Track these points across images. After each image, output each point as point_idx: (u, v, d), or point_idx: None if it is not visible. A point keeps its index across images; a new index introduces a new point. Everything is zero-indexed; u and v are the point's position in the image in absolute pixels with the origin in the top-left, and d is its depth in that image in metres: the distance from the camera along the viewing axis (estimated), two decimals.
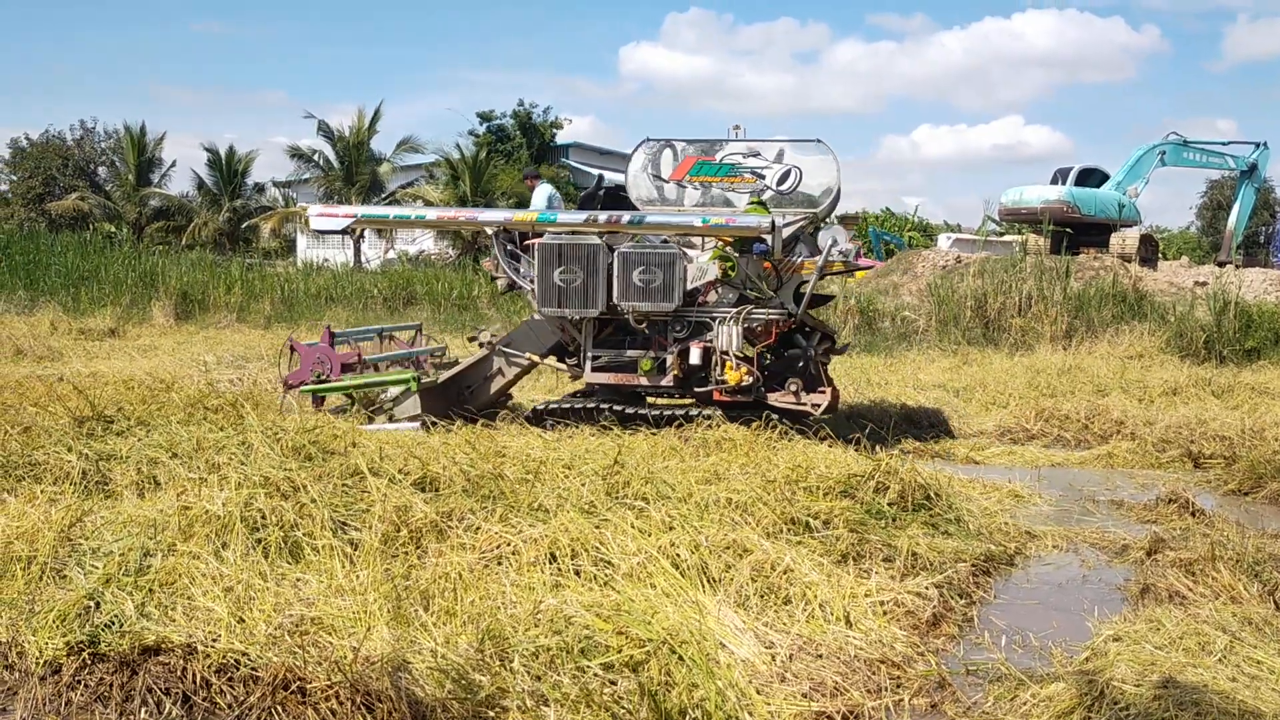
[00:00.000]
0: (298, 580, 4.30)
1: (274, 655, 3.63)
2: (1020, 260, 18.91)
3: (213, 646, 3.70)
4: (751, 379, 7.69)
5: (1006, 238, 29.88)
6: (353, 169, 38.23)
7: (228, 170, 40.24)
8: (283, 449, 6.09)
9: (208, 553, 4.42)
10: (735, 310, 7.74)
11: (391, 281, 23.56)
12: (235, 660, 3.63)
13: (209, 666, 3.60)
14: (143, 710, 3.44)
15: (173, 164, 42.03)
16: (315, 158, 39.21)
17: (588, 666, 3.53)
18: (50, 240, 25.81)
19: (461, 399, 8.25)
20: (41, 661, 3.68)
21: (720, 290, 7.89)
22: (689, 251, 8.07)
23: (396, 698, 3.32)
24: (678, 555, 4.44)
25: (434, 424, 7.58)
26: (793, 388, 7.82)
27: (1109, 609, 4.69)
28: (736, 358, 7.70)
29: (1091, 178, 27.38)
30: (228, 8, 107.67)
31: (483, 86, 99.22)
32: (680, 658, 3.52)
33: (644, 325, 7.99)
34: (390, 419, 8.15)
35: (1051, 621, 4.58)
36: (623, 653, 3.59)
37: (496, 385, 8.40)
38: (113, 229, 35.96)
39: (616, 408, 7.97)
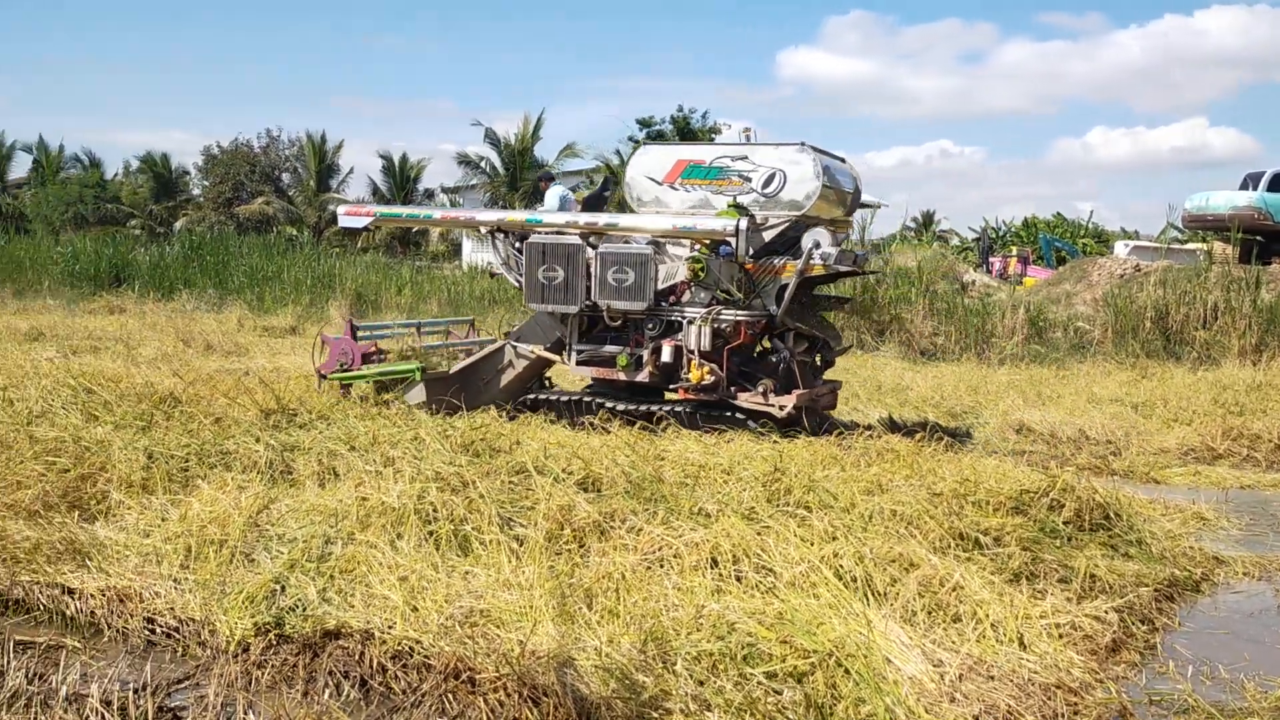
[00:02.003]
0: (467, 573, 4.43)
1: (445, 645, 3.75)
2: (1205, 269, 17.85)
3: (388, 633, 3.85)
4: (713, 378, 7.85)
5: (1190, 246, 28.29)
6: (517, 175, 39.22)
7: (400, 177, 41.91)
8: (452, 445, 6.29)
9: (384, 542, 4.60)
10: (704, 310, 7.96)
11: None
12: (409, 648, 3.77)
13: (385, 652, 3.75)
14: (325, 692, 3.60)
15: (350, 171, 44.04)
16: (482, 164, 40.41)
17: (751, 674, 3.51)
18: (238, 242, 27.36)
19: (477, 389, 8.61)
20: (232, 640, 3.90)
21: (693, 291, 8.13)
22: (678, 252, 8.25)
23: (562, 693, 3.38)
24: (841, 566, 4.37)
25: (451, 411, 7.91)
26: (761, 389, 7.92)
27: None
28: (702, 356, 7.89)
29: None
30: (401, 21, 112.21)
31: (643, 94, 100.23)
32: (846, 671, 3.46)
33: (619, 322, 8.34)
34: (400, 404, 8.56)
35: (1243, 653, 4.31)
36: (787, 662, 3.55)
37: (508, 377, 8.75)
38: (294, 232, 37.90)
39: (604, 403, 8.25)
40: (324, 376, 9.04)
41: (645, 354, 8.16)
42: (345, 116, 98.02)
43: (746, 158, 8.14)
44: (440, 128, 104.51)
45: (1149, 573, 5.08)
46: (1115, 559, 5.18)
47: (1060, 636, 4.12)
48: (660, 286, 8.13)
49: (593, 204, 9.89)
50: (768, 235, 7.97)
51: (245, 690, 3.62)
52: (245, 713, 3.43)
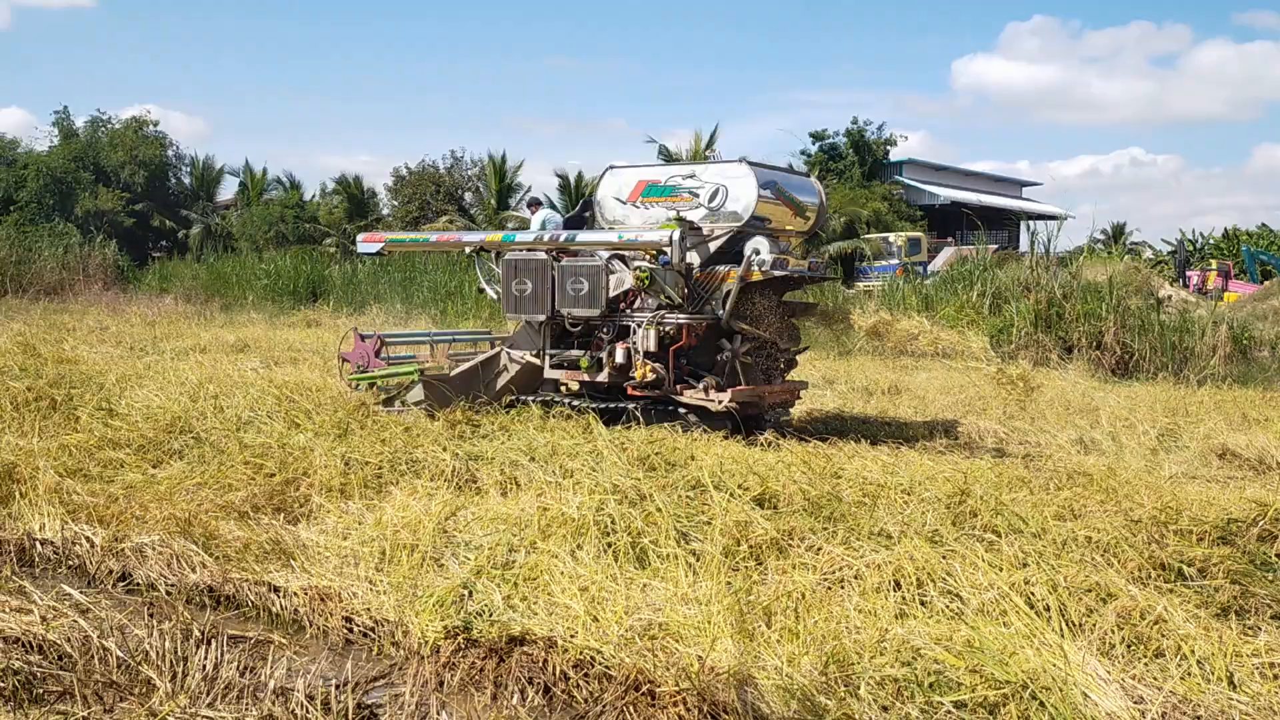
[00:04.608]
0: (645, 585, 4.47)
1: (626, 656, 3.79)
2: None
3: (570, 642, 3.92)
4: (655, 375, 8.34)
5: None
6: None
7: (576, 195, 42.79)
8: (629, 459, 6.37)
9: (564, 552, 4.70)
10: (650, 315, 8.47)
11: None
12: (590, 657, 3.83)
13: (567, 661, 3.82)
14: (513, 698, 3.69)
15: (528, 189, 45.14)
16: None
17: (939, 702, 3.40)
18: (423, 259, 28.51)
19: (477, 391, 9.11)
20: (425, 642, 4.06)
21: (643, 298, 8.71)
22: (638, 263, 8.72)
23: (743, 711, 3.37)
24: (1033, 594, 4.19)
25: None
26: (703, 385, 8.43)
27: None
28: (648, 356, 8.44)
29: None
30: (575, 43, 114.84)
31: (816, 106, 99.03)
32: (1041, 704, 3.32)
33: (579, 328, 8.95)
34: (402, 403, 9.13)
35: None
36: (977, 692, 3.43)
37: (502, 381, 9.34)
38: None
39: (569, 401, 8.80)
40: (353, 386, 9.56)
41: (604, 356, 8.75)
42: (522, 136, 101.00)
43: (694, 175, 8.90)
44: (613, 145, 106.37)
45: None
46: None
47: (1275, 677, 3.83)
48: (612, 294, 8.73)
49: (574, 223, 10.70)
50: (714, 245, 8.61)
51: (438, 691, 3.75)
52: (438, 714, 3.56)
